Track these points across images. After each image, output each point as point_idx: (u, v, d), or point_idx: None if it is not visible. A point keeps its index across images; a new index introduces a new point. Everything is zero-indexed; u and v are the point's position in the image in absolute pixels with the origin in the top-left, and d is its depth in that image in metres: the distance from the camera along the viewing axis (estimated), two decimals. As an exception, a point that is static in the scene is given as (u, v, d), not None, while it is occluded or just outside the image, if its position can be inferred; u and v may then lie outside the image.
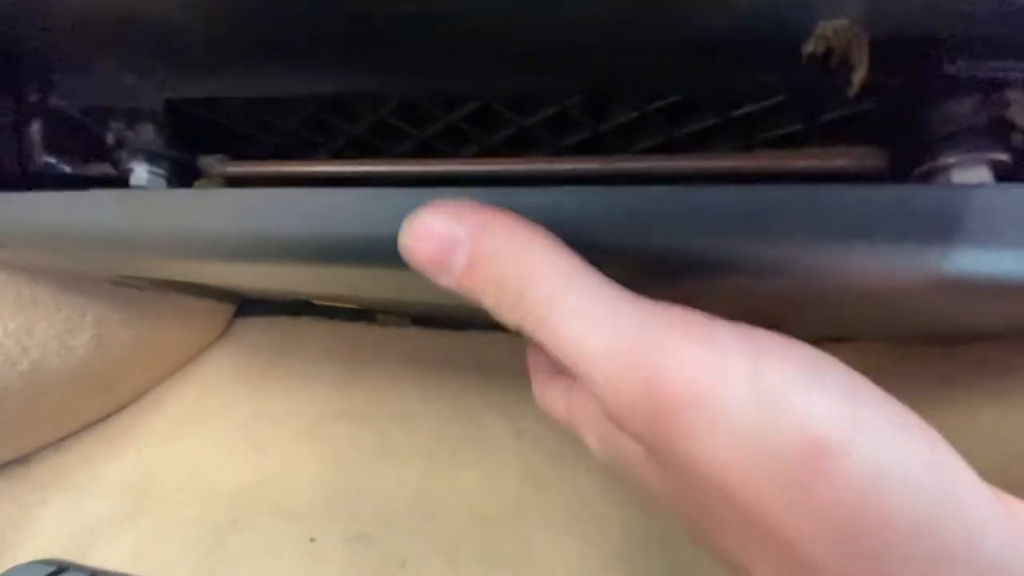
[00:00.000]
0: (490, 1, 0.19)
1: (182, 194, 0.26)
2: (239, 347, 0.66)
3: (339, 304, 0.62)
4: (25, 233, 0.29)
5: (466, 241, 0.16)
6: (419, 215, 0.17)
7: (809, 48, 0.19)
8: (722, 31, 0.19)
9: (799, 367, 0.14)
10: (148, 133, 0.28)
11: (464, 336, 0.68)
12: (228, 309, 0.67)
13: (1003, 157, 0.19)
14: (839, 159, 0.22)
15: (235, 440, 0.58)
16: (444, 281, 0.17)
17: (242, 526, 0.51)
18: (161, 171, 0.29)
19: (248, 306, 0.69)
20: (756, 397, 0.13)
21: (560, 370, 0.26)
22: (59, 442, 0.56)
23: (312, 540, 0.51)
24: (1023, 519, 0.15)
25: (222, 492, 0.54)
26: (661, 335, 0.14)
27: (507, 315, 0.17)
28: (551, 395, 0.26)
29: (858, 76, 0.19)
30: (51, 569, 0.48)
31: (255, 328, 0.68)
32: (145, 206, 0.25)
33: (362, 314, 0.67)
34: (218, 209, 0.24)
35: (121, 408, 0.60)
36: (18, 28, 0.25)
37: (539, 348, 0.29)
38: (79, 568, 0.48)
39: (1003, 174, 0.20)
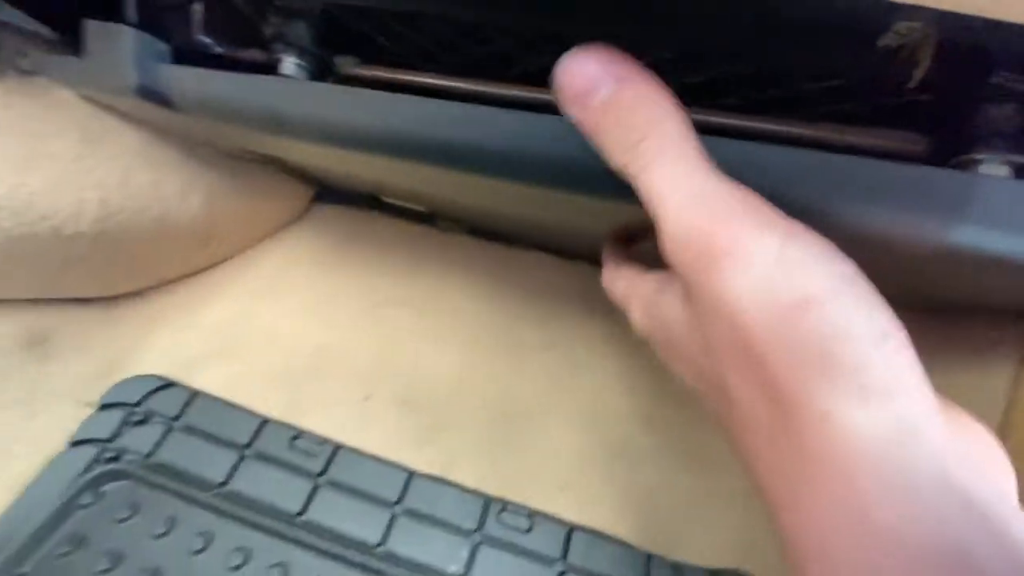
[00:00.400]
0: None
1: (330, 88, 0.31)
2: (316, 229, 0.74)
3: (409, 204, 0.68)
4: (194, 102, 0.35)
5: (609, 84, 0.21)
6: (575, 54, 0.21)
7: (885, 41, 0.23)
8: (817, 15, 0.23)
9: (812, 250, 0.18)
10: (301, 30, 0.32)
11: (512, 251, 0.74)
12: (308, 193, 0.74)
13: (1022, 159, 0.23)
14: (887, 140, 0.26)
15: (309, 307, 0.67)
16: (577, 113, 0.22)
17: (313, 377, 0.62)
18: (305, 64, 0.34)
19: (325, 195, 0.76)
20: (777, 260, 0.18)
21: (629, 261, 0.33)
22: (165, 285, 0.66)
23: (366, 398, 0.61)
24: (956, 416, 0.20)
25: (298, 348, 0.64)
26: (725, 204, 0.19)
27: (619, 156, 0.21)
28: (615, 280, 0.32)
29: (920, 71, 0.23)
30: (161, 383, 0.59)
31: (331, 215, 0.75)
32: (298, 95, 0.31)
33: (424, 218, 0.73)
34: (356, 105, 0.29)
35: (214, 265, 0.69)
36: None
37: (615, 245, 0.36)
38: (183, 387, 0.59)
39: (1019, 174, 0.23)
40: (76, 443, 0.54)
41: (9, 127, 0.40)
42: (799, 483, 0.17)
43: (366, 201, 0.74)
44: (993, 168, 0.23)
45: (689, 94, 0.31)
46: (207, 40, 0.37)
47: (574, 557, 0.51)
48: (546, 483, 0.56)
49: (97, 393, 0.58)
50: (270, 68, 0.35)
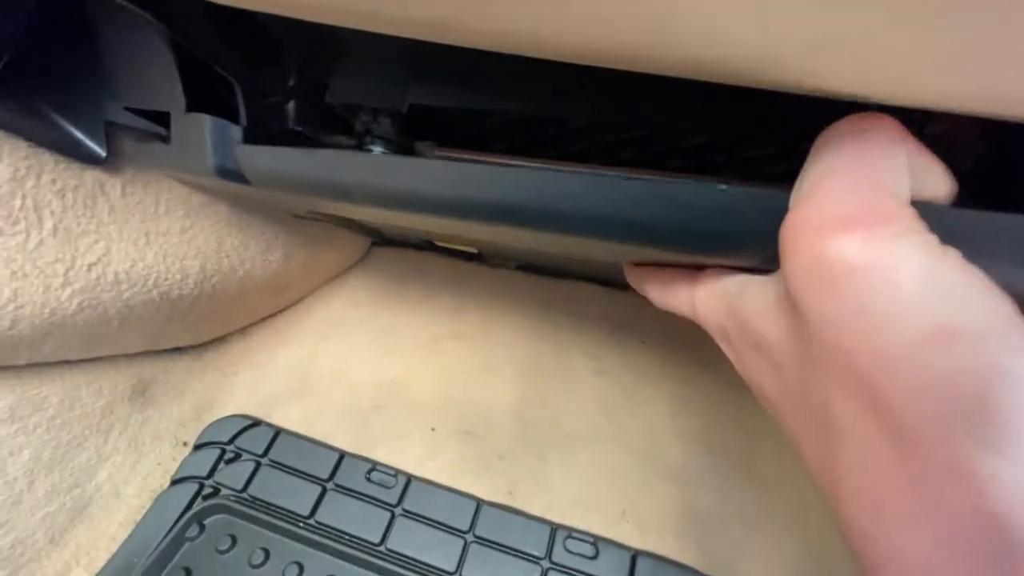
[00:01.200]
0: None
1: (380, 158, 0.35)
2: (374, 271, 0.79)
3: (460, 247, 0.72)
4: (264, 176, 0.39)
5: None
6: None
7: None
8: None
9: (972, 280, 0.16)
10: (387, 124, 0.37)
11: (559, 283, 0.78)
12: (367, 241, 0.80)
13: None
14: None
15: (372, 345, 0.72)
16: None
17: (381, 411, 0.66)
18: (390, 151, 0.38)
19: (382, 237, 0.81)
20: (927, 283, 0.15)
21: (684, 277, 0.31)
22: (244, 329, 0.72)
23: (433, 429, 0.65)
24: None
25: (364, 384, 0.69)
26: (867, 208, 0.17)
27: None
28: (675, 296, 0.30)
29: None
30: (248, 422, 0.65)
31: (388, 257, 0.81)
32: (352, 164, 0.35)
33: (475, 256, 0.77)
34: (424, 173, 0.33)
35: (286, 309, 0.75)
36: (296, 38, 0.34)
37: (652, 269, 0.36)
38: (267, 425, 0.65)
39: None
40: (177, 481, 0.60)
41: (129, 212, 0.46)
42: (929, 540, 0.15)
43: (421, 243, 0.79)
44: None
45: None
46: (301, 130, 0.42)
47: (639, 581, 0.54)
48: (608, 509, 0.59)
49: (192, 434, 0.64)
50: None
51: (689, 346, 0.70)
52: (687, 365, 0.68)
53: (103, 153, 0.42)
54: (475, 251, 0.73)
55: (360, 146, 0.39)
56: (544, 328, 0.73)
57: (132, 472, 0.58)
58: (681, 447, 0.63)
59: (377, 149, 0.38)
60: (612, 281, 0.75)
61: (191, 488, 0.59)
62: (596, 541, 0.56)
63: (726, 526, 0.58)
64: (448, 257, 0.79)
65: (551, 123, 0.37)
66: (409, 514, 0.58)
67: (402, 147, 0.38)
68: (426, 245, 0.78)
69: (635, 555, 0.55)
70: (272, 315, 0.75)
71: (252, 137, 0.40)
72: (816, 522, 0.56)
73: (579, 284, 0.76)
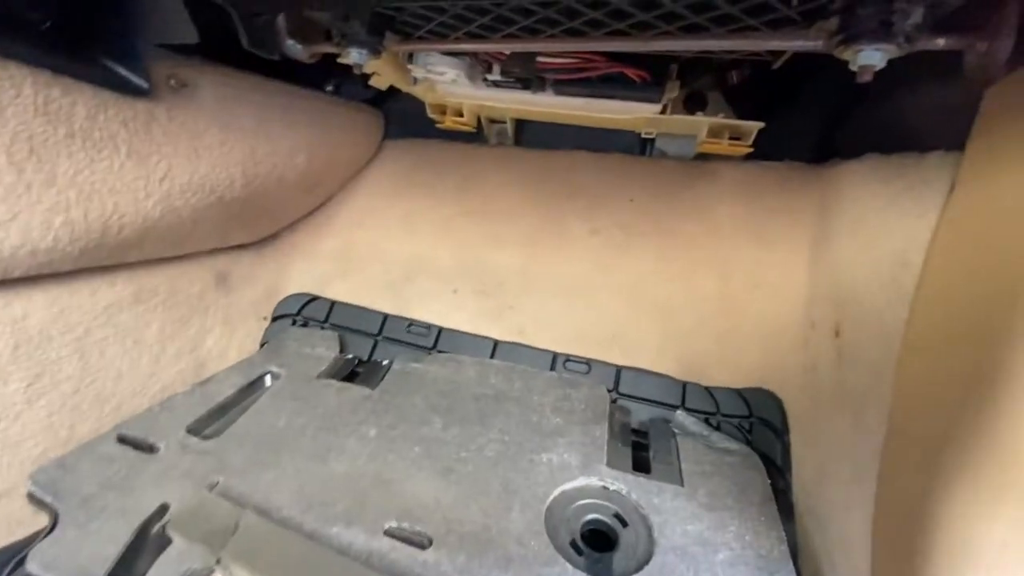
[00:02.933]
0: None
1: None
2: (389, 163, 0.89)
3: (461, 126, 0.79)
4: None
5: None
6: None
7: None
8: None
9: None
10: (357, 28, 0.44)
11: (553, 155, 0.84)
12: (379, 133, 0.89)
13: (891, 46, 0.31)
14: (799, 39, 0.34)
15: (396, 228, 0.84)
16: None
17: (411, 281, 0.80)
18: (364, 50, 0.46)
19: (391, 131, 0.90)
20: None
21: None
22: (291, 225, 0.85)
23: (455, 291, 0.78)
24: None
25: (394, 260, 0.82)
26: None
27: None
28: None
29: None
30: (309, 297, 0.80)
31: (398, 149, 0.90)
32: None
33: (476, 136, 0.85)
34: None
35: (320, 205, 0.87)
36: None
37: None
38: (324, 298, 0.80)
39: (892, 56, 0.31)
40: (264, 343, 0.78)
41: (177, 134, 0.57)
42: None
43: (425, 130, 0.87)
44: (868, 56, 0.31)
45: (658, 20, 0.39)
46: (292, 42, 0.50)
47: (624, 388, 0.68)
48: (599, 338, 0.72)
49: (267, 310, 0.81)
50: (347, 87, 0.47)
51: (674, 198, 0.77)
52: (669, 216, 0.76)
53: (147, 85, 0.52)
54: (473, 130, 0.80)
55: (336, 47, 0.47)
56: (541, 197, 0.81)
57: (231, 341, 0.76)
58: (664, 287, 0.74)
59: (352, 51, 0.46)
60: (602, 146, 0.81)
61: (276, 348, 0.76)
62: (589, 361, 0.70)
63: (699, 345, 0.70)
64: (451, 141, 0.87)
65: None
66: (443, 353, 0.73)
67: (372, 46, 0.46)
68: (430, 131, 0.85)
69: (619, 369, 0.69)
70: (311, 212, 0.87)
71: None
72: (775, 332, 0.66)
73: (572, 153, 0.83)
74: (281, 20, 0.49)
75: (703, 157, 0.78)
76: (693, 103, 0.70)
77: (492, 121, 0.84)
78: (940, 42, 0.32)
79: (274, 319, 0.79)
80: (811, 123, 0.68)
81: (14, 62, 0.44)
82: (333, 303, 0.79)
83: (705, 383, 0.68)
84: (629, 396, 0.67)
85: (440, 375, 0.67)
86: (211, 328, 0.73)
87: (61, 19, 0.48)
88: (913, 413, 0.40)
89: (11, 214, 0.46)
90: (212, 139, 0.60)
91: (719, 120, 0.62)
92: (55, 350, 0.54)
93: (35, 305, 0.52)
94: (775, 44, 0.35)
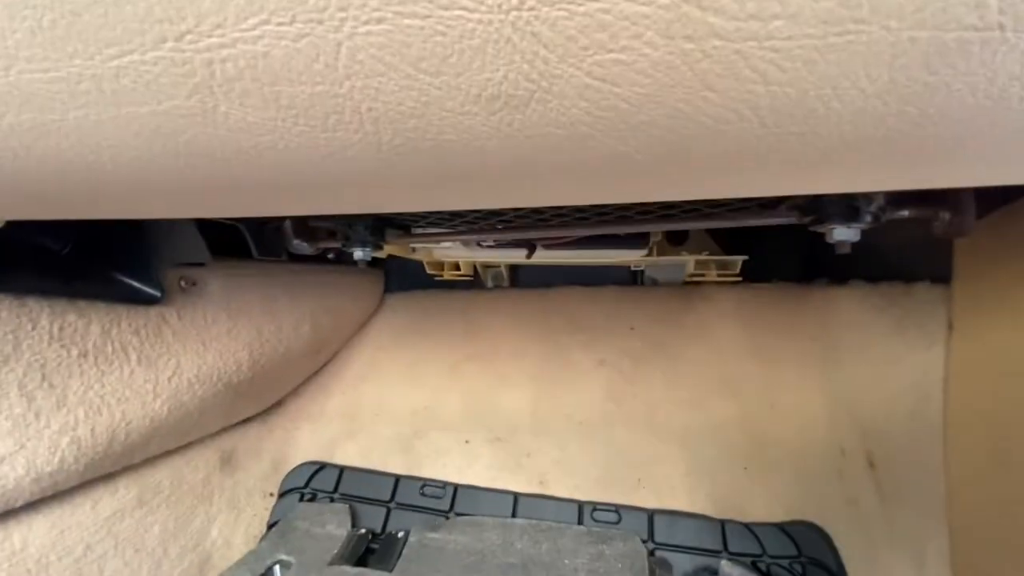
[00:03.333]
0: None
1: None
2: (391, 315, 0.91)
3: (459, 276, 0.82)
4: None
5: None
6: None
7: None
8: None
9: None
10: (361, 231, 0.47)
11: (550, 292, 0.87)
12: (380, 289, 0.92)
13: (860, 224, 0.33)
14: (773, 217, 0.37)
15: (402, 379, 0.84)
16: None
17: (422, 435, 0.78)
18: (368, 247, 0.49)
19: (392, 285, 0.93)
20: None
21: None
22: (296, 389, 0.85)
23: (467, 442, 0.76)
24: None
25: (403, 414, 0.80)
26: None
27: None
28: None
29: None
30: (317, 466, 0.77)
31: (399, 301, 0.92)
32: None
33: (474, 283, 0.88)
34: None
35: (325, 364, 0.87)
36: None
37: None
38: (332, 465, 0.77)
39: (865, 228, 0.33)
40: (272, 525, 0.73)
41: (187, 331, 0.58)
42: None
43: (424, 282, 0.90)
44: (843, 233, 0.34)
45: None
46: (298, 242, 0.53)
47: (660, 536, 0.63)
48: (624, 479, 0.69)
49: (274, 485, 0.77)
50: (347, 254, 0.50)
51: (673, 323, 0.78)
52: (672, 341, 0.76)
53: (159, 294, 0.54)
54: (471, 278, 0.83)
55: (343, 248, 0.50)
56: (544, 334, 0.82)
57: (236, 524, 0.72)
58: (680, 415, 0.72)
59: (358, 251, 0.49)
60: (596, 280, 0.84)
61: (284, 529, 0.72)
62: (618, 509, 0.66)
63: (728, 476, 0.67)
64: (450, 290, 0.90)
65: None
66: (461, 515, 0.69)
67: (375, 243, 0.49)
68: (429, 283, 0.88)
69: (652, 514, 0.65)
70: (316, 372, 0.87)
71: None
72: (804, 458, 0.64)
73: (568, 289, 0.86)
74: (288, 224, 0.52)
75: (694, 282, 0.81)
76: (675, 237, 0.74)
77: (487, 266, 0.87)
78: (905, 214, 0.34)
79: (281, 495, 0.75)
80: (793, 246, 0.72)
81: (33, 296, 0.46)
82: (342, 470, 0.76)
83: (742, 519, 0.64)
84: (666, 545, 0.62)
85: (461, 544, 0.63)
86: (216, 515, 0.69)
87: (80, 246, 0.51)
88: (976, 549, 0.38)
89: (18, 445, 0.45)
90: (219, 328, 0.61)
91: (704, 257, 0.65)
92: (51, 579, 0.50)
93: (35, 532, 0.50)
94: (752, 222, 0.37)
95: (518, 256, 0.69)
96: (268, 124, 0.18)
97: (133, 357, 0.53)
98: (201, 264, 0.53)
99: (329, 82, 0.16)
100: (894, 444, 0.46)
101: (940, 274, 0.43)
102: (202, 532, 0.67)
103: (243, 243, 0.54)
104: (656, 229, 0.41)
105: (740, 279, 0.65)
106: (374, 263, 0.92)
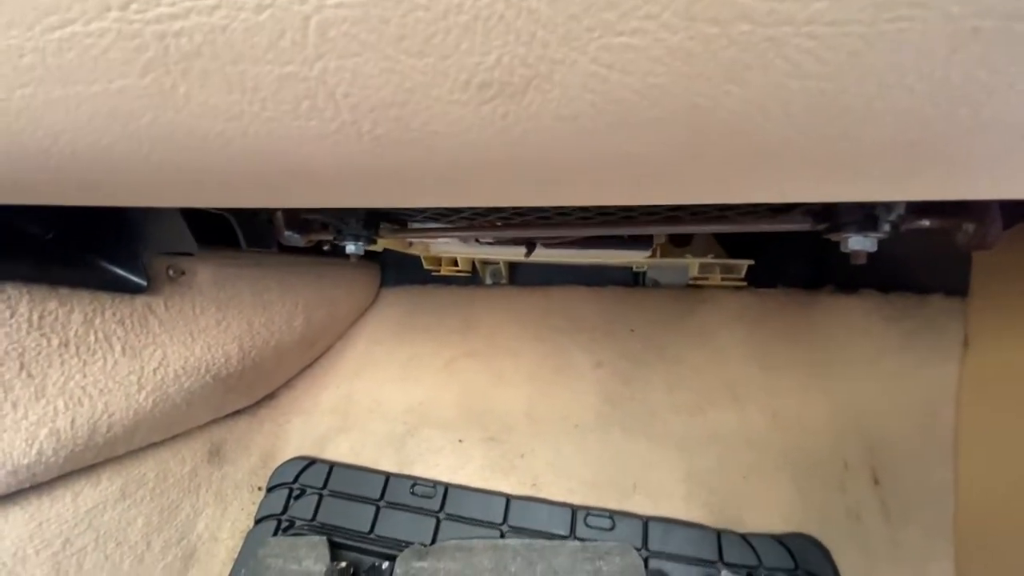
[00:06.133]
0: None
1: None
2: (386, 310, 0.89)
3: (458, 271, 0.80)
4: None
5: None
6: None
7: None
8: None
9: None
10: (355, 224, 0.45)
11: (550, 290, 0.85)
12: (376, 283, 0.90)
13: (878, 234, 0.31)
14: (787, 223, 0.35)
15: (397, 375, 0.82)
16: None
17: (414, 433, 0.76)
18: (360, 243, 0.47)
19: (388, 279, 0.91)
20: None
21: None
22: (288, 382, 0.83)
23: (460, 441, 0.74)
24: None
25: (396, 411, 0.79)
26: None
27: None
28: None
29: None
30: (307, 462, 0.76)
31: (395, 296, 0.90)
32: None
33: (472, 280, 0.86)
34: None
35: (319, 357, 0.86)
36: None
37: None
38: (322, 461, 0.76)
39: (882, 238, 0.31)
40: (259, 520, 0.72)
41: (174, 321, 0.56)
42: None
43: (421, 277, 0.88)
44: (857, 239, 0.32)
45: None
46: (290, 233, 0.51)
47: (654, 544, 0.62)
48: (619, 483, 0.67)
49: (263, 479, 0.76)
50: (340, 249, 0.48)
51: (674, 326, 0.76)
52: (673, 344, 0.74)
53: (145, 283, 0.52)
54: (469, 274, 0.81)
55: (336, 242, 0.48)
56: (543, 333, 0.81)
57: (223, 519, 0.70)
58: (679, 419, 0.70)
59: (351, 245, 0.47)
60: (596, 280, 0.82)
61: (271, 525, 0.70)
62: (612, 515, 0.64)
63: (726, 484, 0.65)
64: (448, 286, 0.88)
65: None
66: (452, 516, 0.68)
67: (368, 237, 0.47)
68: (427, 278, 0.87)
69: (647, 521, 0.63)
70: (309, 365, 0.85)
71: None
72: (805, 470, 0.62)
73: (568, 288, 0.84)
74: (279, 215, 0.50)
75: (697, 284, 0.79)
76: (679, 239, 0.72)
77: (486, 263, 0.85)
78: (926, 224, 0.32)
79: (269, 489, 0.74)
80: (799, 253, 0.70)
81: (12, 283, 0.45)
82: (332, 466, 0.75)
83: (738, 529, 0.62)
84: (662, 555, 0.61)
85: (451, 573, 0.61)
86: (202, 509, 0.68)
87: (63, 231, 0.49)
88: (983, 572, 0.36)
89: (-7, 437, 0.44)
90: (208, 320, 0.60)
91: (708, 260, 0.63)
92: (28, 573, 0.49)
93: (12, 524, 0.48)
94: (762, 227, 0.35)
95: (517, 253, 0.67)
96: (234, 108, 0.16)
97: (117, 347, 0.52)
98: (189, 254, 0.51)
99: (298, 62, 0.14)
100: (900, 461, 0.45)
101: (955, 286, 0.41)
102: (187, 526, 0.66)
103: (234, 232, 0.52)
104: (662, 232, 0.39)
105: (745, 283, 0.63)
106: (370, 257, 0.90)
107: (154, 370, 0.55)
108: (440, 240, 0.62)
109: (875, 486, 0.48)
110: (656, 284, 0.80)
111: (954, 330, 0.39)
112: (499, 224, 0.44)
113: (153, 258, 0.54)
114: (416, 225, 0.48)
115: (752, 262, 0.59)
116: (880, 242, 0.51)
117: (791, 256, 0.70)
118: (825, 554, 0.57)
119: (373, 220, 0.46)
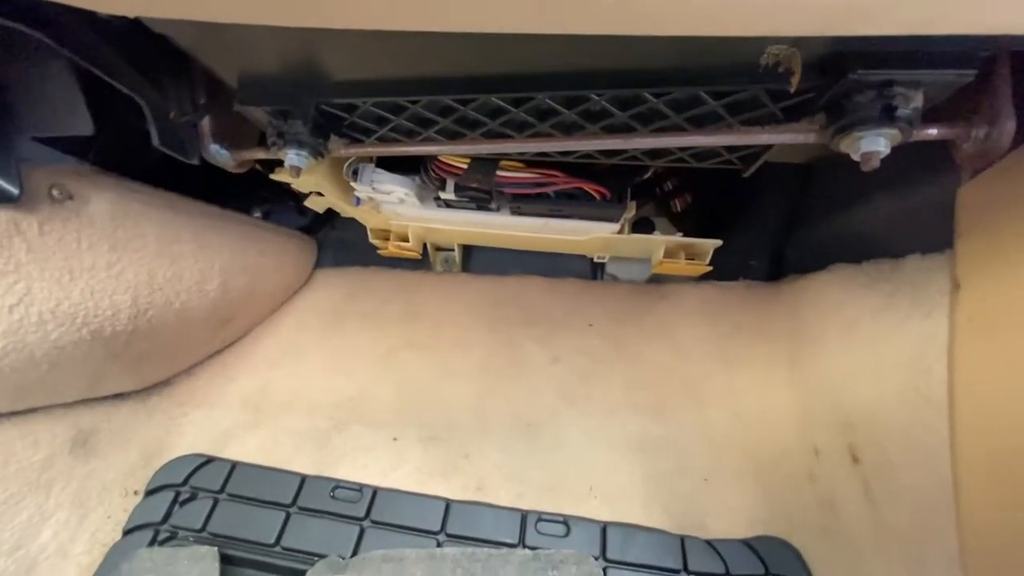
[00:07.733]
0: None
1: None
2: (321, 293, 0.79)
3: (405, 252, 0.73)
4: None
5: None
6: None
7: (764, 60, 0.29)
8: (716, 56, 0.29)
9: None
10: (298, 127, 0.39)
11: (506, 280, 0.79)
12: (311, 260, 0.80)
13: (893, 131, 0.29)
14: (790, 132, 0.32)
15: (326, 367, 0.72)
16: None
17: (341, 430, 0.65)
18: (304, 153, 0.40)
19: (325, 259, 0.82)
20: None
21: None
22: (190, 369, 0.70)
23: (395, 439, 0.65)
24: None
25: (321, 406, 0.68)
26: None
27: None
28: None
29: (795, 79, 0.29)
30: (202, 460, 0.63)
31: (332, 277, 0.81)
32: None
33: (420, 264, 0.79)
34: None
35: (233, 342, 0.74)
36: (204, 54, 0.36)
37: None
38: (222, 460, 0.63)
39: (894, 143, 0.29)
40: (129, 531, 0.57)
41: (49, 250, 0.45)
42: None
43: (363, 259, 0.80)
44: (871, 141, 0.29)
45: (636, 121, 0.37)
46: (218, 146, 0.43)
47: (612, 552, 0.55)
48: (573, 487, 0.60)
49: (142, 481, 0.61)
50: (276, 161, 0.41)
51: (634, 322, 0.73)
52: (632, 341, 0.71)
53: (16, 191, 0.41)
54: (418, 257, 0.75)
55: (271, 151, 0.41)
56: (495, 324, 0.74)
57: (79, 528, 0.55)
58: (637, 420, 0.65)
59: (291, 154, 0.40)
60: (554, 272, 0.78)
61: (145, 536, 0.56)
62: (567, 520, 0.57)
63: (687, 487, 0.60)
64: (392, 269, 0.80)
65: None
66: (379, 524, 0.57)
67: (314, 148, 0.40)
68: (369, 258, 0.78)
69: (605, 527, 0.56)
70: (219, 351, 0.73)
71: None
72: (770, 467, 0.59)
73: (524, 278, 0.79)
74: (206, 122, 0.43)
75: (657, 280, 0.76)
76: (641, 228, 0.70)
77: (438, 249, 0.79)
78: (933, 132, 0.31)
79: (149, 493, 0.60)
80: (760, 243, 0.70)
81: None
82: (234, 466, 0.62)
83: (702, 534, 0.56)
84: (621, 563, 0.54)
85: None
86: (52, 512, 0.53)
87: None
88: (993, 548, 0.32)
89: None
90: (97, 259, 0.48)
91: (676, 239, 0.60)
92: None
93: None
94: (764, 139, 0.33)
95: (477, 223, 0.61)
96: None
97: (-42, 267, 0.40)
98: (84, 160, 0.42)
99: None
100: (884, 432, 0.42)
101: (933, 243, 0.40)
102: (28, 532, 0.51)
103: (142, 152, 0.43)
104: (647, 145, 0.35)
105: (711, 268, 0.61)
106: (307, 231, 0.81)
107: (11, 307, 0.43)
108: (393, 195, 0.56)
109: (854, 465, 0.45)
110: (614, 280, 0.77)
111: (938, 282, 0.38)
112: (469, 135, 0.39)
113: (33, 169, 0.44)
114: (374, 142, 0.42)
115: (720, 242, 0.57)
116: (847, 216, 0.50)
117: (751, 246, 0.70)
118: (795, 554, 0.52)
119: (322, 125, 0.39)
